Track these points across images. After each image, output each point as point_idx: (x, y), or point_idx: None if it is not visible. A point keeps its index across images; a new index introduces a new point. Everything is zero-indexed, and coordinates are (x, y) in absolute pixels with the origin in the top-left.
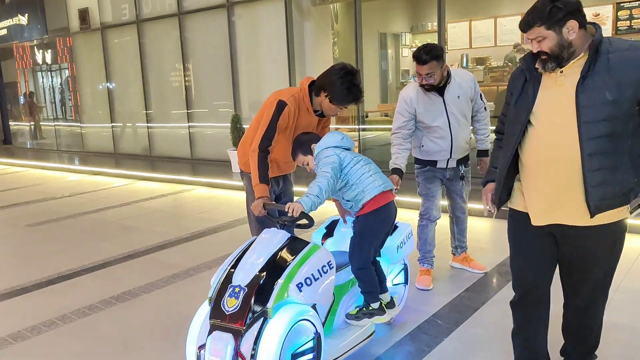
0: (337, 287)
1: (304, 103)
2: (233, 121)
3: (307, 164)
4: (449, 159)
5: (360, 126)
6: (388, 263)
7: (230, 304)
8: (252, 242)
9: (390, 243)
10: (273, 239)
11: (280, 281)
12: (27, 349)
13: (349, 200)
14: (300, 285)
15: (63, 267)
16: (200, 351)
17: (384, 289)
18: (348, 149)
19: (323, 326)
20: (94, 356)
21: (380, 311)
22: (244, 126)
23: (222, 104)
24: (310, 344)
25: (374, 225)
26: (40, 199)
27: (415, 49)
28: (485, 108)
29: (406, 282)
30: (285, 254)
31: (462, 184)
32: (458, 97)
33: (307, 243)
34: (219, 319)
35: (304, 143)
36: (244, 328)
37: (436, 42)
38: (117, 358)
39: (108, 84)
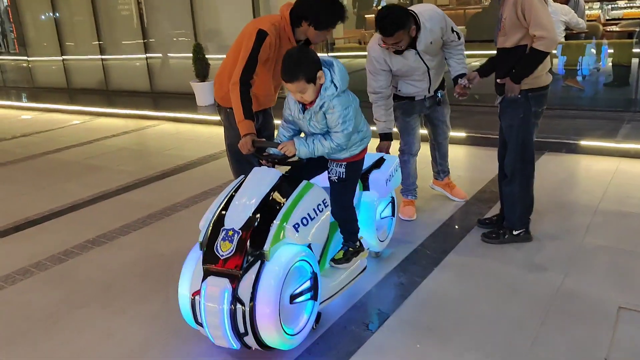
0: (330, 224)
1: (286, 32)
2: (195, 51)
3: (303, 91)
4: (426, 95)
5: (329, 54)
6: (376, 197)
7: (225, 248)
8: (241, 182)
9: (379, 176)
10: (264, 178)
11: (276, 222)
12: (5, 298)
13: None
14: (297, 226)
15: (30, 212)
16: (194, 297)
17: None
18: None
19: (319, 263)
20: (77, 300)
21: (362, 247)
22: (207, 56)
23: (180, 33)
24: (307, 284)
25: (359, 170)
26: None
27: (377, 16)
28: (458, 37)
29: (393, 214)
30: (278, 193)
31: (443, 108)
32: (431, 42)
33: (300, 181)
34: (213, 264)
35: (309, 64)
36: (241, 272)
37: None
38: (102, 301)
39: (54, 14)
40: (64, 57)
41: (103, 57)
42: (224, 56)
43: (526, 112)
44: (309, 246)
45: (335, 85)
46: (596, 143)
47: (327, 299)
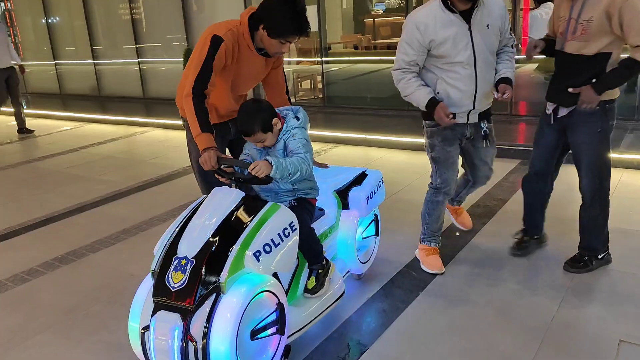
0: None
1: (244, 39)
2: (186, 56)
3: (264, 141)
4: (470, 111)
5: (323, 59)
6: (359, 216)
7: (176, 279)
8: (200, 203)
9: (360, 194)
10: (225, 199)
11: (234, 250)
12: None
13: (297, 189)
14: (257, 254)
15: (0, 225)
16: (144, 332)
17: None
18: None
19: (287, 293)
20: (33, 328)
21: (327, 262)
22: None
23: (174, 37)
24: (271, 317)
25: (312, 209)
26: None
27: None
28: (513, 45)
29: (377, 233)
30: (239, 216)
31: (487, 144)
32: (487, 26)
33: (265, 202)
34: (164, 297)
35: (263, 116)
36: (193, 306)
37: None
38: (60, 328)
39: (48, 18)
40: (57, 62)
41: (96, 62)
42: None
43: (604, 127)
44: (275, 274)
45: (297, 118)
46: None
47: (298, 331)
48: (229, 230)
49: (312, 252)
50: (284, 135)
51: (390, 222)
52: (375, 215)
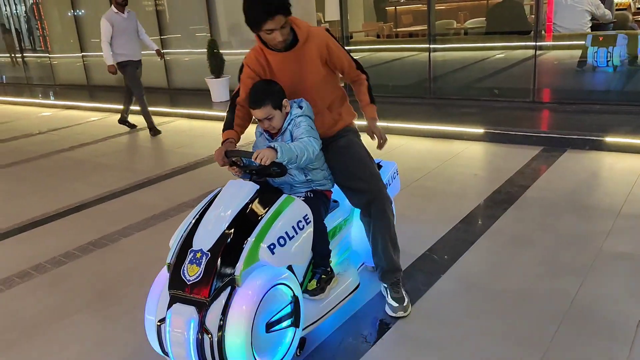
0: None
1: (260, 46)
2: (210, 47)
3: (272, 118)
4: None
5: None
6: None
7: (192, 272)
8: (215, 196)
9: None
10: (238, 192)
11: (248, 243)
12: (8, 301)
13: (312, 180)
14: (272, 247)
15: (36, 212)
16: (160, 325)
17: None
18: None
19: (302, 286)
20: (69, 308)
21: (332, 273)
22: (221, 51)
23: (197, 29)
24: (287, 310)
25: (327, 202)
26: (11, 138)
27: None
28: None
29: None
30: (254, 209)
31: None
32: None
33: (280, 195)
34: (179, 290)
35: (274, 92)
36: (209, 299)
37: None
38: (94, 308)
39: (76, 11)
40: (84, 54)
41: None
42: (241, 51)
43: None
44: (290, 267)
45: (300, 107)
46: (622, 140)
47: (313, 323)
48: (244, 222)
49: (318, 251)
50: (288, 124)
51: (411, 209)
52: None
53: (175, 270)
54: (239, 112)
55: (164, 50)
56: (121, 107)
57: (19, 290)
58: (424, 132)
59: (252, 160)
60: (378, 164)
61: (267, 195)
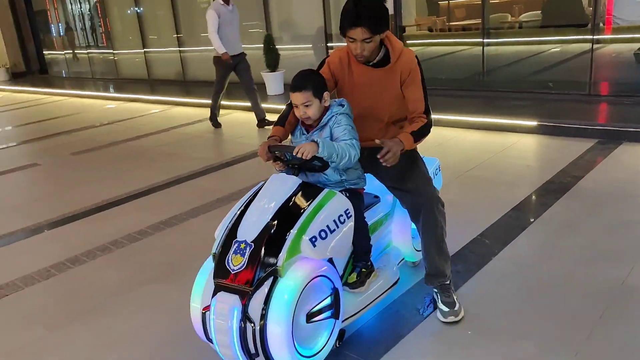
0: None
1: (347, 52)
2: (265, 42)
3: (310, 106)
4: None
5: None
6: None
7: (236, 262)
8: (259, 189)
9: None
10: (281, 186)
11: (291, 235)
12: (84, 272)
13: (346, 179)
14: (314, 240)
15: (110, 195)
16: (205, 313)
17: None
18: None
19: (342, 278)
20: (143, 278)
21: (372, 267)
22: (277, 47)
23: (253, 24)
24: (327, 301)
25: (361, 201)
26: (81, 128)
27: None
28: None
29: None
30: (296, 203)
31: None
32: None
33: (322, 189)
34: (224, 279)
35: (318, 81)
36: (252, 288)
37: None
38: (166, 278)
39: (136, 8)
40: (145, 49)
41: (180, 49)
42: (296, 46)
43: None
44: (331, 260)
45: (342, 105)
46: None
47: (353, 315)
48: (287, 215)
49: (359, 246)
50: (329, 120)
51: (463, 196)
52: None
53: (220, 260)
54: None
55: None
56: (179, 99)
57: (99, 262)
58: (477, 125)
59: (294, 154)
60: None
61: (310, 189)
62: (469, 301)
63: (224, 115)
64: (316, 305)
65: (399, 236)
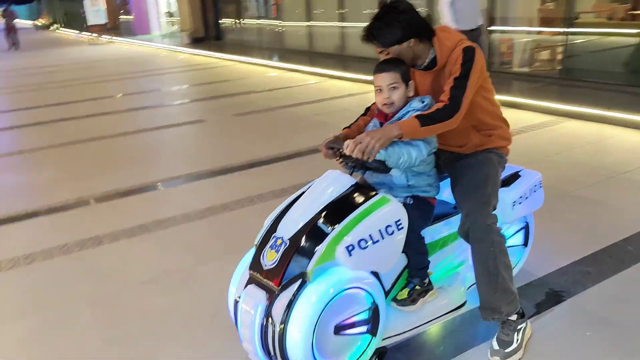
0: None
1: None
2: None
3: (395, 89)
4: None
5: (568, 29)
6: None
7: (270, 257)
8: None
9: (502, 197)
10: (332, 184)
11: (327, 240)
12: (233, 217)
13: (413, 185)
14: (350, 248)
15: (263, 154)
16: (237, 302)
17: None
18: None
19: (390, 293)
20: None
21: (430, 285)
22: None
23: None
24: (363, 316)
25: (428, 209)
26: (245, 92)
27: None
28: None
29: (525, 244)
30: (343, 204)
31: None
32: None
33: (375, 194)
34: (257, 272)
35: (406, 69)
36: (278, 288)
37: None
38: None
39: None
40: (310, 22)
41: (342, 23)
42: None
43: None
44: (376, 273)
45: (422, 101)
46: None
47: (400, 334)
48: (330, 217)
49: (414, 263)
50: (404, 116)
51: (614, 198)
52: (527, 223)
53: (258, 252)
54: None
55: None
56: (335, 72)
57: (246, 211)
58: None
59: (345, 152)
60: (516, 173)
61: (363, 191)
62: (596, 301)
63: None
64: (349, 318)
65: None
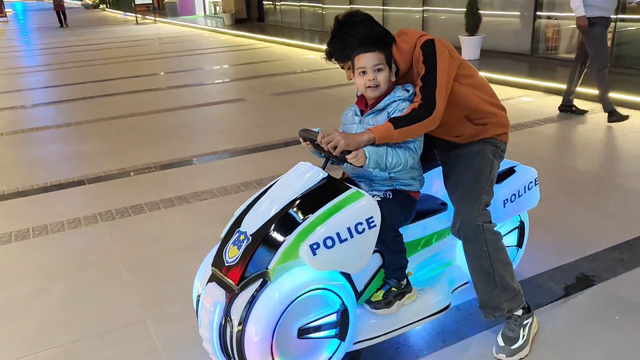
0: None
1: None
2: (469, 4)
3: (380, 71)
4: None
5: (619, 16)
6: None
7: (231, 254)
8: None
9: (495, 194)
10: (302, 177)
11: (290, 237)
12: None
13: (395, 178)
14: (315, 247)
15: (295, 133)
16: (199, 298)
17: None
18: None
19: (363, 294)
20: None
21: (408, 286)
22: (480, 11)
23: None
24: (331, 318)
25: (409, 205)
26: (284, 73)
27: None
28: None
29: (519, 245)
30: (311, 199)
31: None
32: None
33: (348, 188)
34: (218, 268)
35: (391, 53)
36: (238, 287)
37: None
38: None
39: None
40: (351, 6)
41: (385, 8)
42: (500, 12)
43: None
44: (347, 274)
45: (407, 90)
46: None
47: (374, 338)
48: (295, 213)
49: (391, 262)
50: (388, 105)
51: None
52: (521, 222)
53: (221, 247)
54: None
55: (425, 8)
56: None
57: None
58: None
59: (319, 142)
60: (512, 168)
61: (333, 186)
62: (626, 288)
63: None
64: (314, 321)
65: (463, 254)
